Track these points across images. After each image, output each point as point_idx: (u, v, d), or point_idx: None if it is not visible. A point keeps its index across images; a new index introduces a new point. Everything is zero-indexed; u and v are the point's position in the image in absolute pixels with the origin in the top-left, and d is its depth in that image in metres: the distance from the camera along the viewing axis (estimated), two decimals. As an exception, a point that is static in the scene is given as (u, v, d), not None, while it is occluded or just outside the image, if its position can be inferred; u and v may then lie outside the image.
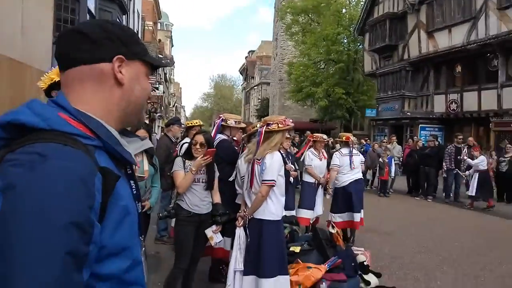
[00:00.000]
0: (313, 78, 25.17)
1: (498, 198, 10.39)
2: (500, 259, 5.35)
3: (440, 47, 16.89)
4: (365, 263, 4.36)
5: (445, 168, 10.40)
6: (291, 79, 27.52)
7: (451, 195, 10.45)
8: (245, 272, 3.10)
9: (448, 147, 10.85)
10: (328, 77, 24.87)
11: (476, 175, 9.32)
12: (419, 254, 5.54)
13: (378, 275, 4.38)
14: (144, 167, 3.48)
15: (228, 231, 3.56)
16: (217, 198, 3.41)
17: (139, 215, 0.91)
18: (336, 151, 6.71)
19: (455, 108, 16.67)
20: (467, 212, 9.12)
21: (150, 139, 8.46)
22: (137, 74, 0.90)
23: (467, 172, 10.17)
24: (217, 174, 3.44)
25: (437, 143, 11.50)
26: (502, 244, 6.21)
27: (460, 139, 10.57)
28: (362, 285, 4.09)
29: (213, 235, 3.31)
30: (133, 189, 0.93)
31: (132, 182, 0.94)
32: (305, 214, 5.85)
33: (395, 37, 19.53)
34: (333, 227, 4.88)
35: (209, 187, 3.32)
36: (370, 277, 4.19)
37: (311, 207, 5.89)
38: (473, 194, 9.34)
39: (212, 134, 3.96)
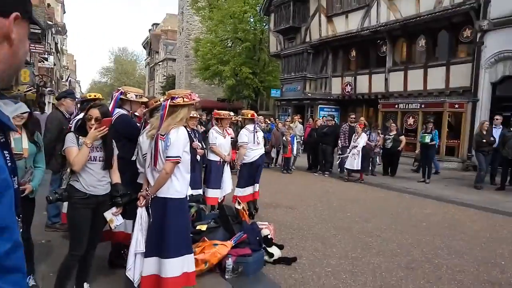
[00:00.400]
0: (221, 56, 24.99)
1: (383, 172, 11.64)
2: (385, 225, 6.01)
3: (338, 32, 18.00)
4: (269, 236, 4.52)
5: (340, 146, 11.27)
6: (198, 56, 26.96)
7: (345, 170, 11.39)
8: (147, 254, 2.95)
9: (343, 126, 11.75)
10: (235, 56, 24.91)
11: (360, 151, 10.31)
12: (318, 224, 5.94)
13: (280, 247, 4.58)
14: (23, 144, 3.05)
15: (129, 213, 3.34)
16: (117, 178, 3.16)
17: (16, 192, 0.82)
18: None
19: (349, 90, 18.06)
20: (357, 185, 10.04)
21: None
22: (24, 35, 0.84)
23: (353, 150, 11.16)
24: (116, 152, 3.17)
25: (333, 122, 12.35)
26: (383, 213, 6.97)
27: (352, 118, 11.50)
28: (266, 257, 4.23)
29: (113, 217, 3.08)
30: (8, 161, 0.81)
31: (6, 152, 0.82)
32: (213, 193, 5.84)
33: (299, 20, 20.24)
34: (239, 203, 4.94)
35: (106, 166, 3.05)
36: (273, 250, 4.35)
37: (218, 186, 5.90)
38: (359, 168, 10.33)
39: (110, 109, 3.63)
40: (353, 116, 11.87)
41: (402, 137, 11.70)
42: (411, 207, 7.48)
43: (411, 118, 14.77)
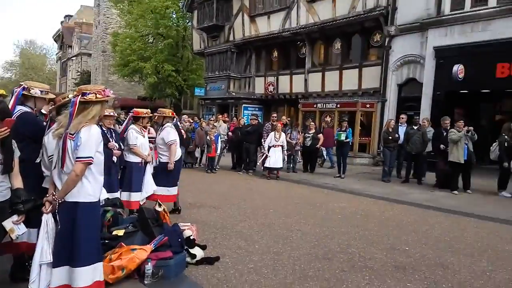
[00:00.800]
0: (141, 52, 24.04)
1: (304, 169, 12.15)
2: (305, 220, 6.27)
3: (260, 32, 18.36)
4: (191, 237, 4.44)
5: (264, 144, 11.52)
6: (116, 51, 25.62)
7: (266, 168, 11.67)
8: (55, 264, 2.71)
9: (266, 125, 12.03)
10: (157, 53, 24.14)
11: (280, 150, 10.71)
12: (241, 222, 5.99)
13: (203, 247, 4.53)
14: None
15: (33, 221, 3.04)
16: (18, 183, 2.86)
17: None
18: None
19: (272, 90, 18.54)
20: (279, 183, 10.35)
21: None
22: None
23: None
24: (17, 153, 2.87)
25: (256, 121, 12.57)
26: (303, 208, 7.28)
27: (274, 117, 11.82)
28: (188, 259, 4.15)
29: (14, 226, 2.78)
30: None
31: None
32: (136, 197, 5.60)
33: (222, 18, 20.25)
34: (159, 205, 4.78)
35: (6, 169, 2.74)
36: (196, 250, 4.28)
37: (139, 189, 5.66)
38: (281, 166, 10.80)
39: (10, 106, 3.27)
40: (275, 115, 12.19)
41: (320, 135, 12.31)
42: (328, 201, 7.90)
43: (328, 117, 15.60)
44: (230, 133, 13.09)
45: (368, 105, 14.48)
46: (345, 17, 14.75)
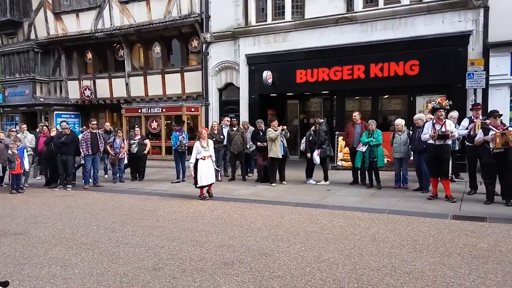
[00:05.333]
0: None
1: (132, 178, 11.53)
2: (133, 232, 5.91)
3: (69, 31, 16.65)
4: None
5: (83, 155, 10.42)
6: None
7: (90, 180, 10.62)
8: None
9: (84, 133, 10.90)
10: None
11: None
12: (56, 246, 5.22)
13: (4, 284, 3.72)
14: None
15: None
16: None
17: None
18: None
19: (89, 95, 17.02)
20: (103, 195, 9.54)
21: None
22: None
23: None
24: None
25: (69, 130, 11.28)
26: (131, 219, 6.88)
27: (94, 124, 10.83)
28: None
29: None
30: None
31: None
32: None
33: (19, 13, 17.47)
34: None
35: None
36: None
37: None
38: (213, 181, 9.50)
39: None
40: (94, 122, 11.19)
41: (147, 141, 11.94)
42: (159, 208, 7.67)
43: (154, 122, 15.26)
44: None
45: (193, 109, 14.81)
46: (161, 21, 14.73)
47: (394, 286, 3.72)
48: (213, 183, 8.69)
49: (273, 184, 9.74)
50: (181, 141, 10.77)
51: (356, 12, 11.88)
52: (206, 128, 10.26)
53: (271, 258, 4.57)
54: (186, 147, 11.02)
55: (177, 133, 11.02)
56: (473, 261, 4.34)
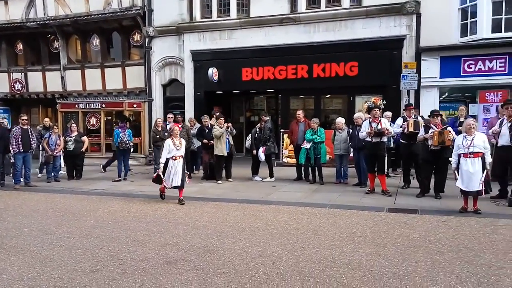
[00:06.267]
0: None
1: (68, 177, 10.91)
2: (69, 233, 5.58)
3: (-3, 20, 15.29)
4: None
5: (13, 152, 9.65)
6: None
7: (22, 179, 9.87)
8: None
9: (14, 129, 10.09)
10: None
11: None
12: (-19, 252, 4.78)
13: None
14: None
15: None
16: None
17: None
18: None
19: (20, 88, 15.81)
20: (37, 195, 8.92)
21: None
22: None
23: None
24: None
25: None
26: (68, 220, 6.50)
27: (24, 120, 10.05)
28: None
29: None
30: None
31: None
32: None
33: None
34: None
35: None
36: None
37: None
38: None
39: None
40: (25, 118, 10.38)
41: (85, 138, 11.33)
42: (98, 208, 7.32)
43: (93, 118, 14.53)
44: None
45: (135, 105, 14.29)
46: (100, 12, 14.02)
47: (334, 277, 3.86)
48: (179, 186, 7.53)
49: (219, 182, 9.70)
50: (121, 138, 10.34)
51: (299, 13, 12.17)
52: (178, 125, 9.43)
53: (215, 255, 4.54)
54: (129, 145, 10.62)
55: (119, 130, 10.58)
56: (406, 250, 4.63)
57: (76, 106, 14.67)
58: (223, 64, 12.86)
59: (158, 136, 10.36)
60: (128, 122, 11.28)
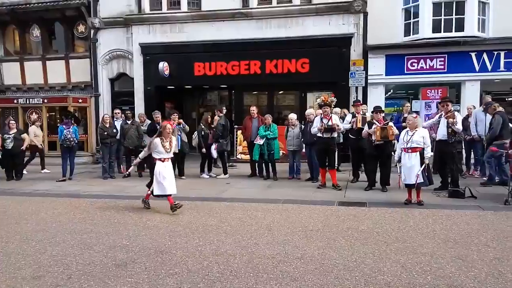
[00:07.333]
0: None
1: (7, 177, 10.17)
2: (7, 238, 5.19)
3: None
4: None
5: None
6: None
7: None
8: None
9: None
10: None
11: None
12: None
13: None
14: None
15: None
16: None
17: None
18: None
19: (-51, 82, 14.43)
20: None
21: None
22: None
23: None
24: None
25: None
26: (5, 224, 6.06)
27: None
28: None
29: None
30: None
31: None
32: None
33: None
34: None
35: None
36: None
37: None
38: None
39: None
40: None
41: (25, 135, 10.60)
42: (40, 210, 6.86)
43: (34, 114, 13.64)
44: None
45: (80, 100, 13.60)
46: (40, 1, 13.14)
47: (287, 271, 3.90)
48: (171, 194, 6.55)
49: (171, 179, 9.47)
50: (65, 135, 9.78)
51: (251, 8, 12.15)
52: (171, 122, 7.88)
53: (167, 255, 4.42)
54: (75, 142, 10.08)
55: (63, 126, 10.00)
56: (355, 243, 4.79)
57: (15, 101, 13.70)
58: (174, 58, 12.56)
59: (105, 133, 9.93)
60: (73, 118, 10.70)
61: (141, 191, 8.05)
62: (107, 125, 10.08)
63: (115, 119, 10.96)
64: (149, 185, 6.71)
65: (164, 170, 6.47)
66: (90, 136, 13.72)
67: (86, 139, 13.77)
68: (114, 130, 10.23)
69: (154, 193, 6.55)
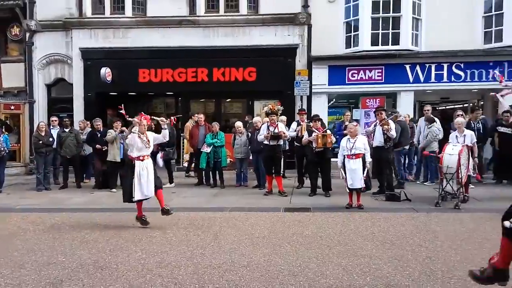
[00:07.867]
0: None
1: None
2: None
3: None
4: None
5: None
6: None
7: None
8: None
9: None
10: None
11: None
12: None
13: None
14: None
15: None
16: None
17: None
18: None
19: None
20: None
21: None
22: None
23: None
24: None
25: None
26: None
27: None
28: None
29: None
30: None
31: None
32: None
33: None
34: None
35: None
36: None
37: None
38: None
39: None
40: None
41: None
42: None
43: None
44: None
45: (13, 107, 12.68)
46: (-31, 0, 12.14)
47: (233, 280, 3.88)
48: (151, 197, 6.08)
49: (113, 190, 9.05)
50: None
51: (198, 16, 12.10)
52: (147, 117, 6.50)
53: (107, 270, 4.21)
54: (6, 152, 9.34)
55: (-7, 135, 9.24)
56: (300, 248, 4.88)
57: None
58: (117, 64, 12.12)
59: (40, 142, 9.33)
60: (4, 126, 9.94)
61: (78, 203, 7.65)
62: (43, 134, 9.47)
63: (51, 127, 10.35)
64: (128, 198, 6.01)
65: (146, 170, 5.92)
66: (23, 145, 12.80)
67: (18, 148, 12.81)
68: (50, 139, 9.64)
69: (136, 198, 5.93)
